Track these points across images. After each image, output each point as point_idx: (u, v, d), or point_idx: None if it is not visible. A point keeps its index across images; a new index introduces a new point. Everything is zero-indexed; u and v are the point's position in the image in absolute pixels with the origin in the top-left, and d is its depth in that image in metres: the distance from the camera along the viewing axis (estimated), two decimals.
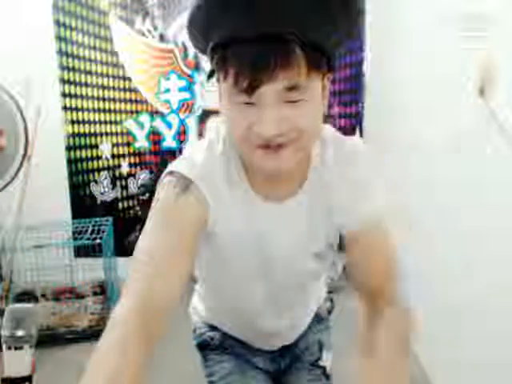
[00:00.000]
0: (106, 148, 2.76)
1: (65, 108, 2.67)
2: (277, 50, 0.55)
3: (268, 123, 0.59)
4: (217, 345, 1.00)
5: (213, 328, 1.01)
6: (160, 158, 2.73)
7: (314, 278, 0.86)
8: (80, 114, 2.69)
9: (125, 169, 2.80)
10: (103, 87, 2.69)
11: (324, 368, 1.01)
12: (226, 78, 0.60)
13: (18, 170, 2.27)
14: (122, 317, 0.56)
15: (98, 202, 2.79)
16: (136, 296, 0.58)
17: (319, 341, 1.03)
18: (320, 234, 0.76)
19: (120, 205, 2.82)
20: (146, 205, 2.72)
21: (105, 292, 2.46)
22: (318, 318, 1.03)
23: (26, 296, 2.44)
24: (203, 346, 1.02)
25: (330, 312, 1.07)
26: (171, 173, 0.70)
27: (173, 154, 2.72)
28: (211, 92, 2.67)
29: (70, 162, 2.73)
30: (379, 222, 0.74)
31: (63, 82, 2.64)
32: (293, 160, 0.64)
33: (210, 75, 0.65)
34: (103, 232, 2.35)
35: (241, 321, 0.93)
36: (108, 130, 2.74)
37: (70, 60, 2.63)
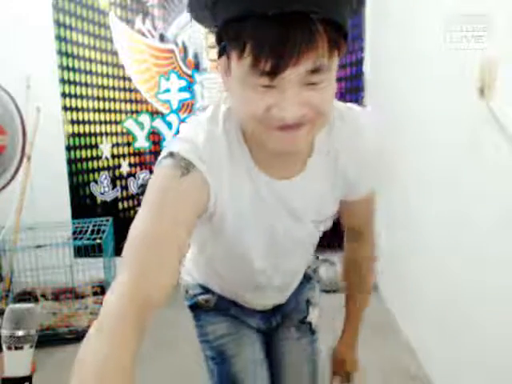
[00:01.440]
0: (105, 148, 2.76)
1: (65, 108, 2.67)
2: (302, 31, 0.52)
3: (290, 107, 0.57)
4: (211, 307, 1.01)
5: (206, 290, 1.01)
6: None
7: (312, 241, 0.90)
8: (80, 113, 2.69)
9: (125, 169, 2.80)
10: (103, 87, 2.69)
11: (310, 323, 1.06)
12: (240, 57, 0.55)
13: (18, 169, 2.28)
14: (118, 310, 0.53)
15: (98, 201, 2.80)
16: (133, 286, 0.55)
17: (307, 299, 1.07)
18: (326, 205, 0.79)
19: (120, 205, 2.82)
20: None
21: (105, 292, 2.45)
22: (307, 278, 1.07)
23: (26, 296, 2.44)
24: (196, 307, 1.02)
25: (315, 270, 1.11)
26: (171, 154, 0.67)
27: None
28: (211, 91, 2.68)
29: (69, 162, 2.73)
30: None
31: (63, 82, 2.64)
32: (307, 139, 0.64)
33: (221, 53, 0.60)
34: (103, 232, 2.35)
35: (237, 284, 0.94)
36: (108, 130, 2.74)
37: (70, 60, 2.63)
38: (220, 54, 0.61)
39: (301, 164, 0.73)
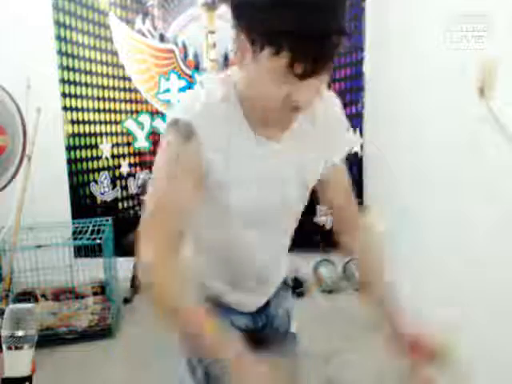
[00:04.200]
0: (105, 148, 2.76)
1: (65, 108, 2.67)
2: (335, 48, 0.64)
3: (310, 96, 0.70)
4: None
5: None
6: None
7: (294, 209, 0.94)
8: (80, 113, 2.69)
9: (125, 169, 2.80)
10: (103, 87, 2.69)
11: (294, 334, 1.08)
12: (276, 54, 0.64)
13: (18, 169, 2.28)
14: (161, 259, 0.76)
15: (98, 201, 2.80)
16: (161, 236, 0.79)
17: (287, 311, 1.09)
18: (307, 166, 0.87)
19: (120, 205, 2.82)
20: None
21: (105, 292, 2.46)
22: (286, 285, 1.10)
23: (26, 296, 2.44)
24: None
25: (296, 281, 1.09)
26: (174, 122, 0.75)
27: None
28: None
29: (69, 162, 2.73)
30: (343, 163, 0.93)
31: (63, 82, 2.64)
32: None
33: (253, 43, 0.68)
34: (103, 232, 2.35)
35: (231, 264, 0.95)
36: (108, 130, 2.75)
37: (70, 60, 2.63)
38: (251, 43, 0.67)
39: (286, 127, 0.82)
